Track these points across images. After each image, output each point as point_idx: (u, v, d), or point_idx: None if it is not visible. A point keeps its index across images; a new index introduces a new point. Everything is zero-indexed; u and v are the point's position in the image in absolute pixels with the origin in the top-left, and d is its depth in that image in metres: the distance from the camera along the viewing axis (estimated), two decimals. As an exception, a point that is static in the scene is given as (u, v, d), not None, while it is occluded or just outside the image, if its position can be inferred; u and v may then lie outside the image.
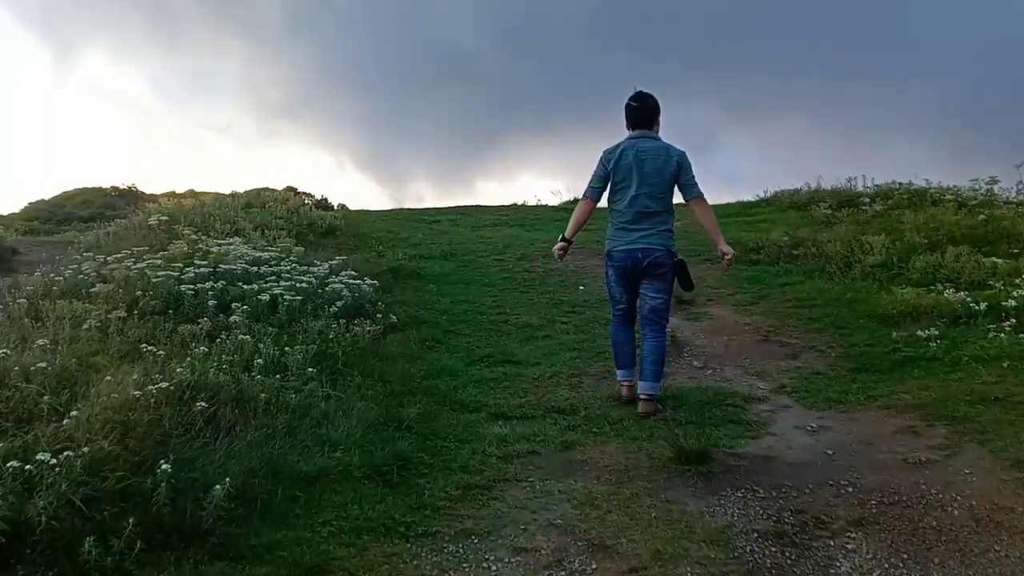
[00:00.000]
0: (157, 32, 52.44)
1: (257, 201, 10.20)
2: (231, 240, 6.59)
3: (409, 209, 14.11)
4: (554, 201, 14.38)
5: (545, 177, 53.24)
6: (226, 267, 5.43)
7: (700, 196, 4.38)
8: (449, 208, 13.20)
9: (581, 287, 7.58)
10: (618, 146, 4.40)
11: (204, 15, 52.43)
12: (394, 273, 7.56)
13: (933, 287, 6.44)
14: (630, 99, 4.40)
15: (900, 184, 12.19)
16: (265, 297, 5.00)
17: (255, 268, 5.69)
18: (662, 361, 4.38)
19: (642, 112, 4.39)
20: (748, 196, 14.33)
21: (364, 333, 4.96)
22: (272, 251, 6.50)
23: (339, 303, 5.52)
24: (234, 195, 10.46)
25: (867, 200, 10.87)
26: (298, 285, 5.34)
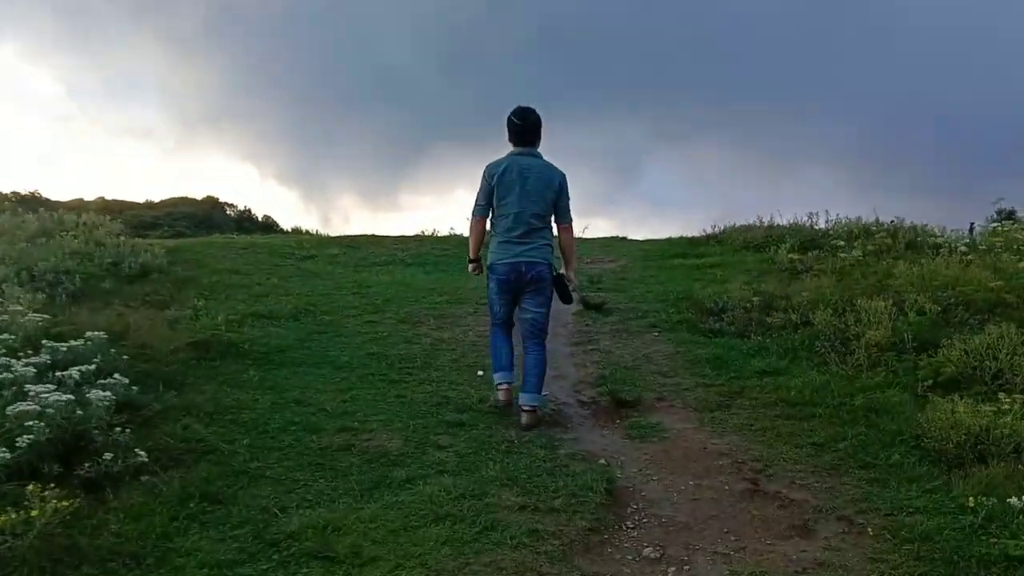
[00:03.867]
0: (73, 34, 48.30)
1: (57, 229, 7.56)
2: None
3: (296, 234, 11.58)
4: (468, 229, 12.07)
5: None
6: None
7: (570, 223, 4.52)
8: (335, 239, 10.73)
9: (480, 372, 5.29)
10: (501, 162, 4.41)
11: (121, 18, 48.52)
12: (199, 350, 5.11)
13: (989, 393, 4.41)
14: (512, 115, 4.39)
15: (871, 225, 10.42)
16: None
17: None
18: (543, 373, 4.52)
19: (525, 129, 4.40)
20: (690, 230, 12.46)
21: (40, 513, 2.54)
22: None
23: (27, 438, 3.08)
24: (24, 220, 7.78)
25: (840, 243, 8.96)
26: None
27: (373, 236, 10.85)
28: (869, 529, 3.22)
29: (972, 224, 11.74)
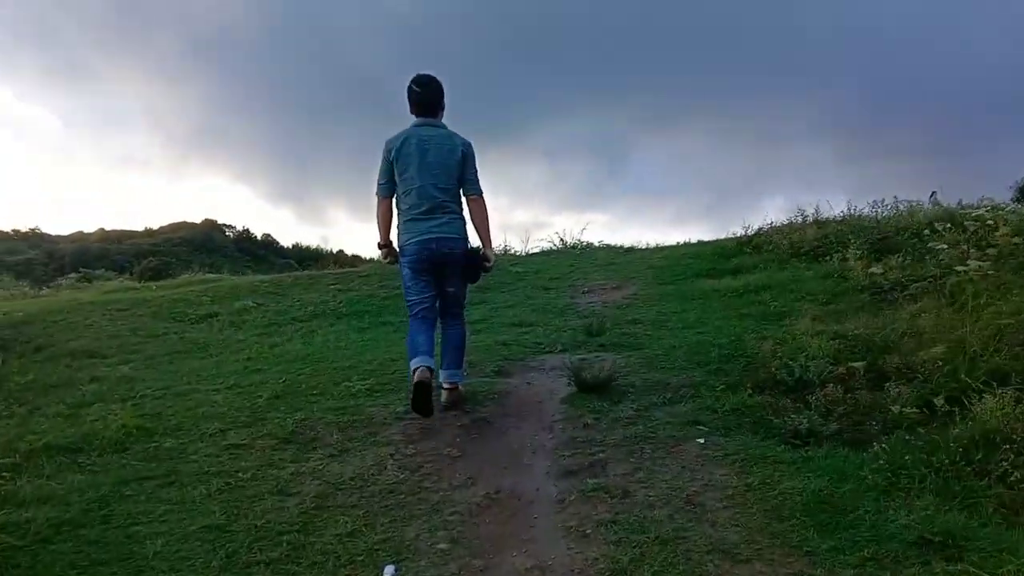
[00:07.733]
0: (54, 68, 47.04)
1: None
2: None
3: (208, 281, 9.18)
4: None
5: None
6: None
7: (479, 194, 4.23)
8: (258, 283, 8.27)
9: (391, 568, 2.84)
10: (400, 135, 4.16)
11: (95, 43, 46.88)
12: None
13: None
14: (412, 83, 4.12)
15: (959, 211, 7.89)
16: None
17: None
18: (463, 347, 4.29)
19: (425, 98, 4.14)
20: (688, 217, 10.46)
21: None
22: None
23: None
24: None
25: (942, 246, 6.36)
26: None
27: (310, 275, 8.45)
28: None
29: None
